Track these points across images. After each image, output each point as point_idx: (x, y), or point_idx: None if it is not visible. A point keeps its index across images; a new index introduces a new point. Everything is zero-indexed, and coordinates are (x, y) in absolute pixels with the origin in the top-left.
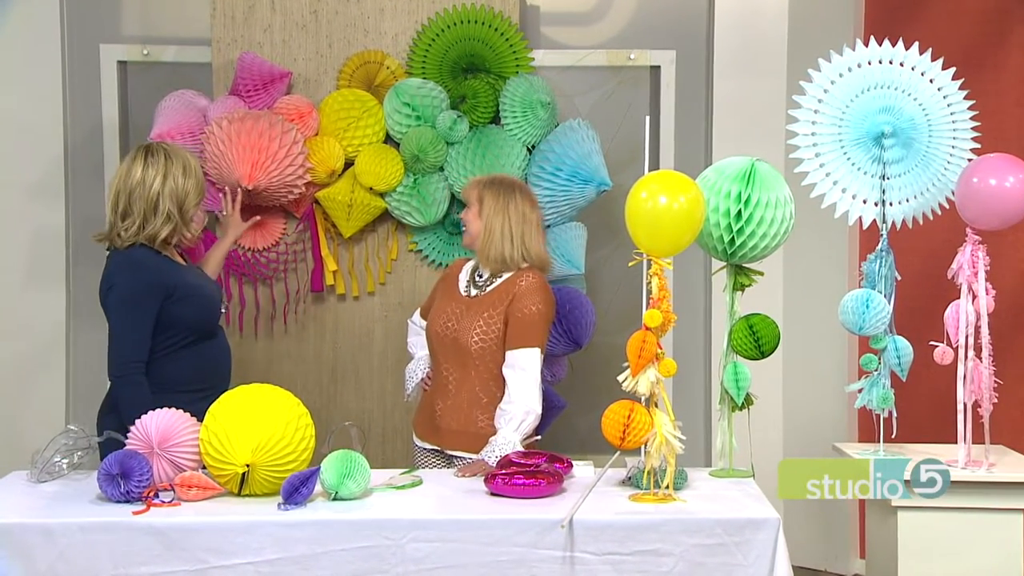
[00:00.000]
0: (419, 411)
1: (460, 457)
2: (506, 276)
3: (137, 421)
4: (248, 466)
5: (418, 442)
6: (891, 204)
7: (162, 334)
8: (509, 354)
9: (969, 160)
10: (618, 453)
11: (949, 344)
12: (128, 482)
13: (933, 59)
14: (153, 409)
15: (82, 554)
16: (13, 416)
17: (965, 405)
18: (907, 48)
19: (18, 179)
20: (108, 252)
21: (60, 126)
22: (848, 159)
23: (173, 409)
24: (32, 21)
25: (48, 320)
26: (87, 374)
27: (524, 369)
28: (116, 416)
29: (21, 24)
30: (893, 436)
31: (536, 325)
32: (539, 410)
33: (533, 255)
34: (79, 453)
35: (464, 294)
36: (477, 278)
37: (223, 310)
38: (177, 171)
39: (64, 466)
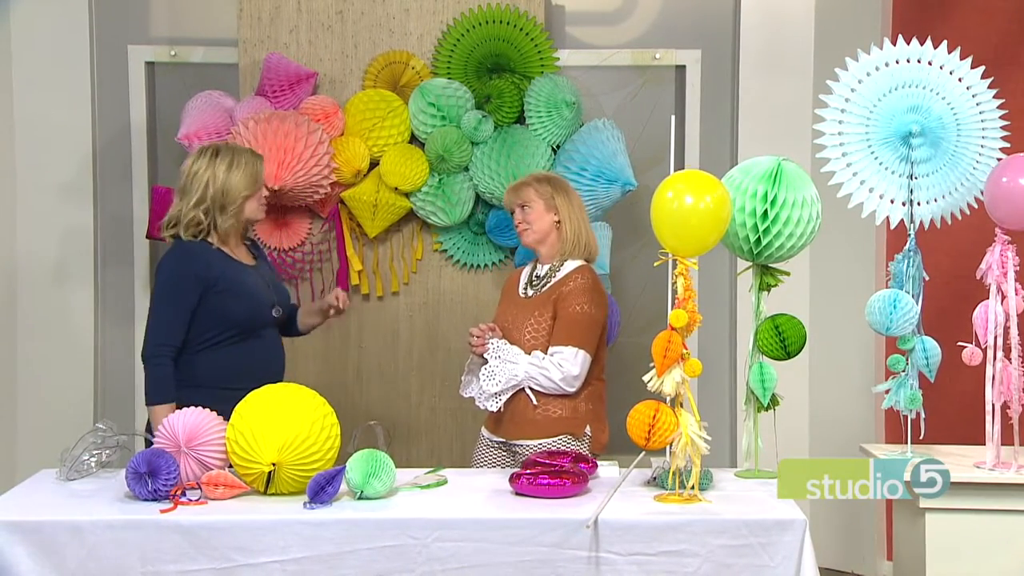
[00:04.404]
0: None
1: (521, 445)
2: (559, 276)
3: (165, 420)
4: (274, 465)
5: (485, 433)
6: (919, 204)
7: (203, 325)
8: (550, 349)
9: (998, 159)
10: (643, 453)
11: (978, 345)
12: (156, 480)
13: (962, 58)
14: (174, 393)
15: (111, 552)
16: (42, 414)
17: (994, 406)
18: (935, 47)
19: (47, 179)
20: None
21: (89, 127)
22: (876, 158)
23: (200, 408)
24: (61, 23)
25: (77, 319)
26: (115, 372)
27: (560, 366)
28: (195, 392)
29: (50, 26)
30: (921, 437)
31: (578, 324)
32: (557, 389)
33: (593, 243)
34: (107, 451)
35: (522, 295)
36: (535, 279)
37: (275, 314)
38: (221, 167)
39: (92, 464)
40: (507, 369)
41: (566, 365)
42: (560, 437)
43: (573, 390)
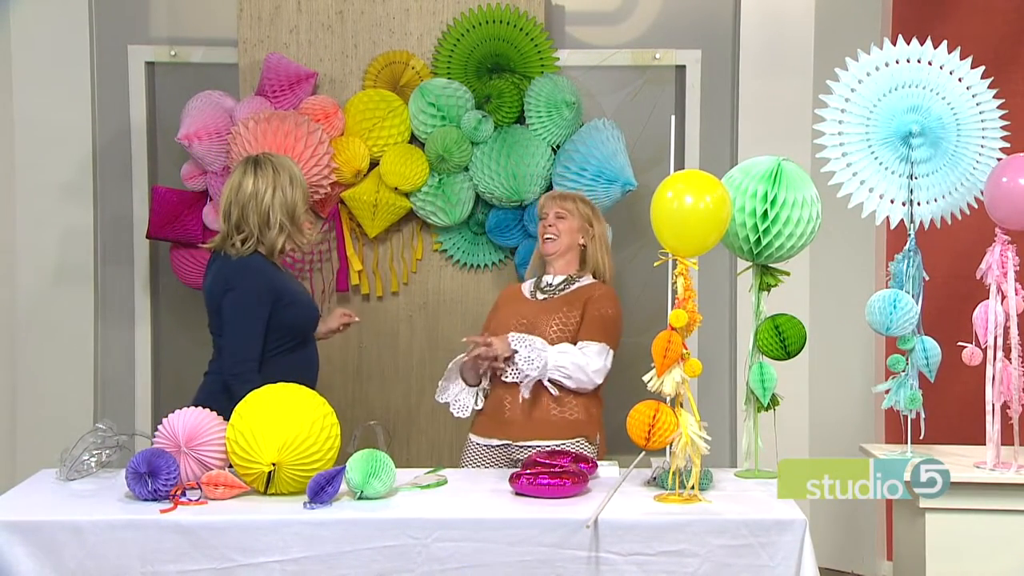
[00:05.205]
0: (482, 412)
1: (528, 446)
2: (578, 284)
3: (164, 420)
4: (274, 465)
5: (477, 439)
6: (919, 204)
7: (272, 336)
8: (580, 343)
9: (998, 159)
10: (643, 453)
11: (978, 345)
12: (156, 480)
13: (962, 58)
14: None
15: (111, 551)
16: (42, 414)
17: (994, 406)
18: (935, 47)
19: (47, 179)
20: (220, 256)
21: (88, 127)
22: (875, 158)
23: (200, 408)
24: (61, 23)
25: (76, 319)
26: (115, 372)
27: (598, 354)
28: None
29: (50, 26)
30: (921, 437)
31: (609, 325)
32: (587, 380)
33: (610, 271)
34: (107, 451)
35: (531, 299)
36: (547, 286)
37: (319, 315)
38: (285, 182)
39: (92, 464)
40: (541, 356)
41: (599, 359)
42: (576, 440)
43: (599, 382)
